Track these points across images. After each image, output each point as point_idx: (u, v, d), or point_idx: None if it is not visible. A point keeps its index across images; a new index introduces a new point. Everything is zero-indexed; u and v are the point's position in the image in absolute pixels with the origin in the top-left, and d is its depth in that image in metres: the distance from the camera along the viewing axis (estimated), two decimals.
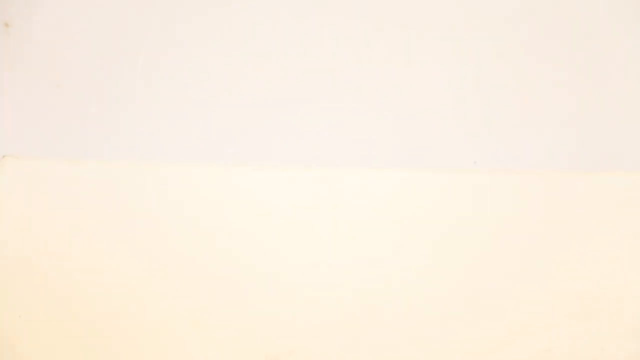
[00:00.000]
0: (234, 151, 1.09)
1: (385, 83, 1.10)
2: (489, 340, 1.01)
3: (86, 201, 1.03)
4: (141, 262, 1.02)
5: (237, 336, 1.01)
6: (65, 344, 1.01)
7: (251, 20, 1.11)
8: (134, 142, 1.09)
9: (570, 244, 1.02)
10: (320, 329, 1.01)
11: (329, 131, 1.09)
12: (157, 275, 1.02)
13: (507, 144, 1.08)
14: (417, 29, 1.10)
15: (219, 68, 1.10)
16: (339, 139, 1.09)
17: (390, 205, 1.03)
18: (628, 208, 1.02)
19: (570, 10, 1.10)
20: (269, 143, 1.09)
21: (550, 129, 1.08)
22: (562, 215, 1.02)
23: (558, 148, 1.08)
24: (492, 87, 1.09)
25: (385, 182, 1.03)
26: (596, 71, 1.09)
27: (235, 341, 1.01)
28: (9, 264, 1.02)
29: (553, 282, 1.01)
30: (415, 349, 1.01)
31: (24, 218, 1.03)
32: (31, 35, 1.11)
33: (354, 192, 1.03)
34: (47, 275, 1.02)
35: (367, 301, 1.02)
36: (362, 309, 1.02)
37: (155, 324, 1.01)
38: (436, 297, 1.02)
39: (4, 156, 1.04)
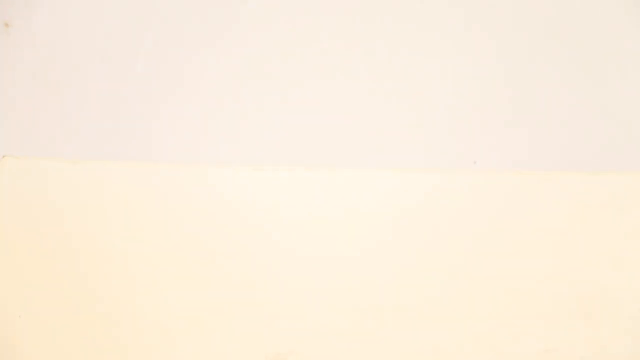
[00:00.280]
0: (234, 151, 1.09)
1: (385, 83, 1.10)
2: (489, 340, 1.01)
3: (86, 201, 1.03)
4: (141, 262, 1.02)
5: (237, 336, 1.01)
6: (65, 344, 1.01)
7: (251, 20, 1.11)
8: (134, 142, 1.09)
9: (570, 243, 1.02)
10: (321, 329, 1.01)
11: (329, 131, 1.09)
12: (157, 275, 1.02)
13: (507, 144, 1.08)
14: (417, 28, 1.10)
15: (219, 68, 1.10)
16: (340, 139, 1.09)
17: (390, 205, 1.03)
18: (628, 208, 1.02)
19: (571, 10, 1.10)
20: (269, 143, 1.09)
21: (550, 129, 1.08)
22: (562, 215, 1.02)
23: (558, 148, 1.08)
24: (492, 87, 1.09)
25: (385, 182, 1.03)
26: (596, 71, 1.09)
27: (235, 341, 1.01)
28: (9, 264, 1.02)
29: (553, 282, 1.01)
30: (415, 349, 1.01)
31: (24, 218, 1.03)
32: (31, 35, 1.11)
33: (354, 192, 1.03)
34: (47, 275, 1.02)
35: (367, 301, 1.02)
36: (362, 309, 1.02)
37: (156, 324, 1.02)
38: (435, 297, 1.02)
39: (4, 156, 1.04)
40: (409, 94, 1.09)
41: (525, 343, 1.01)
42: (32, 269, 1.02)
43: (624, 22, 1.10)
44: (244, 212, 1.03)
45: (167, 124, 1.09)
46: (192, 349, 1.01)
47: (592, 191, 1.02)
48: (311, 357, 1.01)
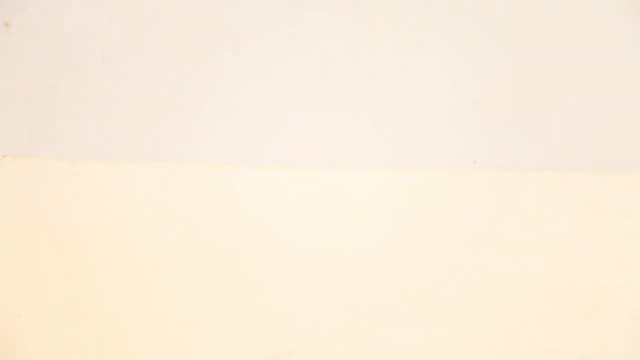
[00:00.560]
0: (234, 151, 1.09)
1: (385, 83, 1.10)
2: (489, 340, 1.01)
3: (86, 201, 1.03)
4: (141, 262, 1.02)
5: (237, 336, 1.01)
6: (65, 344, 1.01)
7: (251, 20, 1.11)
8: (133, 142, 1.09)
9: (570, 243, 1.02)
10: (320, 329, 1.01)
11: (329, 131, 1.09)
12: (157, 275, 1.02)
13: (507, 144, 1.08)
14: (417, 28, 1.10)
15: (219, 68, 1.10)
16: (339, 139, 1.09)
17: (390, 205, 1.03)
18: (628, 208, 1.02)
19: (571, 9, 1.10)
20: (269, 143, 1.09)
21: (550, 129, 1.08)
22: (562, 215, 1.02)
23: (558, 148, 1.08)
24: (492, 87, 1.09)
25: (385, 182, 1.03)
26: (596, 71, 1.09)
27: (235, 341, 1.01)
28: (9, 264, 1.02)
29: (553, 282, 1.01)
30: (415, 349, 1.01)
31: (23, 218, 1.03)
32: (31, 35, 1.11)
33: (354, 192, 1.03)
34: (47, 275, 1.02)
35: (367, 301, 1.02)
36: (362, 309, 1.02)
37: (155, 324, 1.02)
38: (436, 297, 1.02)
39: (3, 156, 1.04)
40: (408, 93, 1.09)
41: (525, 343, 1.01)
42: (32, 269, 1.02)
43: (624, 22, 1.10)
44: (244, 212, 1.03)
45: (167, 124, 1.09)
46: (192, 349, 1.01)
47: (592, 191, 1.02)
48: (311, 357, 1.01)
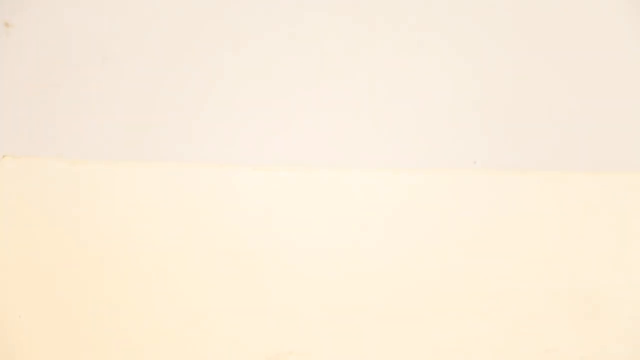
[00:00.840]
0: (234, 151, 1.09)
1: (385, 83, 1.10)
2: (489, 340, 1.01)
3: (86, 201, 1.03)
4: (141, 262, 1.02)
5: (237, 336, 1.01)
6: (65, 344, 1.01)
7: (251, 21, 1.11)
8: (133, 142, 1.09)
9: (570, 244, 1.02)
10: (320, 329, 1.01)
11: (329, 131, 1.09)
12: (157, 275, 1.02)
13: (507, 144, 1.08)
14: (417, 28, 1.10)
15: (219, 68, 1.10)
16: (339, 139, 1.09)
17: (390, 205, 1.03)
18: (628, 208, 1.02)
19: (571, 9, 1.10)
20: (269, 143, 1.09)
21: (550, 129, 1.08)
22: (562, 215, 1.02)
23: (558, 148, 1.08)
24: (493, 87, 1.09)
25: (384, 182, 1.03)
26: (596, 71, 1.09)
27: (235, 341, 1.01)
28: (9, 264, 1.02)
29: (553, 282, 1.01)
30: (415, 349, 1.01)
31: (23, 218, 1.03)
32: (31, 35, 1.11)
33: (354, 192, 1.03)
34: (47, 275, 1.02)
35: (367, 301, 1.02)
36: (362, 309, 1.02)
37: (155, 324, 1.02)
38: (436, 297, 1.02)
39: (3, 156, 1.04)
40: (408, 93, 1.09)
41: (525, 343, 1.01)
42: (32, 269, 1.02)
43: (624, 22, 1.10)
44: (244, 212, 1.03)
45: (167, 124, 1.09)
46: (192, 348, 1.01)
47: (592, 191, 1.02)
48: (311, 357, 1.01)
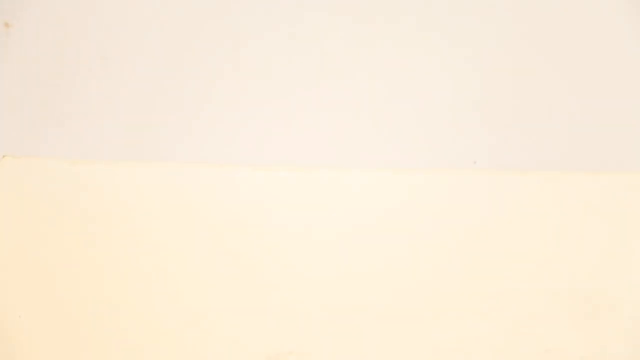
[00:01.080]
0: (234, 151, 1.09)
1: (385, 83, 1.10)
2: (489, 340, 1.01)
3: (86, 201, 1.03)
4: (141, 261, 1.02)
5: (237, 336, 1.01)
6: (65, 344, 1.01)
7: (251, 21, 1.11)
8: (133, 142, 1.09)
9: (570, 244, 1.02)
10: (320, 329, 1.01)
11: (329, 131, 1.09)
12: (157, 275, 1.02)
13: (507, 144, 1.08)
14: (417, 28, 1.10)
15: (219, 68, 1.10)
16: (339, 139, 1.09)
17: (390, 205, 1.03)
18: (628, 208, 1.02)
19: (571, 9, 1.10)
20: (269, 143, 1.09)
21: (550, 129, 1.08)
22: (562, 215, 1.02)
23: (558, 148, 1.08)
24: (493, 87, 1.09)
25: (385, 182, 1.03)
26: (596, 71, 1.09)
27: (235, 341, 1.01)
28: (9, 264, 1.02)
29: (553, 282, 1.01)
30: (415, 349, 1.01)
31: (24, 218, 1.03)
32: (31, 35, 1.11)
33: (354, 192, 1.03)
34: (47, 275, 1.02)
35: (367, 301, 1.02)
36: (362, 309, 1.02)
37: (156, 324, 1.02)
38: (436, 297, 1.02)
39: (4, 156, 1.04)
40: (409, 93, 1.09)
41: (525, 343, 1.01)
42: (32, 268, 1.02)
43: (624, 22, 1.10)
44: (244, 212, 1.03)
45: (167, 124, 1.09)
46: (192, 348, 1.01)
47: (592, 191, 1.02)
48: (311, 357, 1.01)
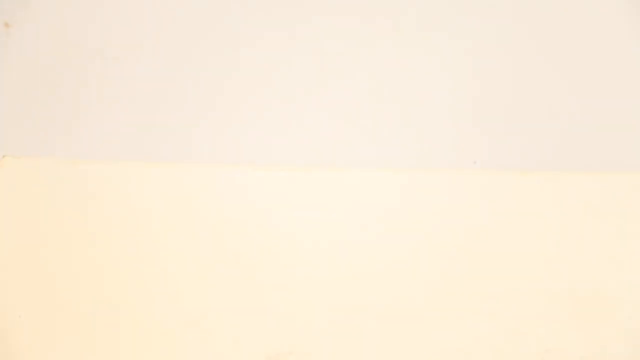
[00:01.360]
0: (234, 151, 1.09)
1: (385, 83, 1.10)
2: (489, 340, 1.01)
3: (86, 201, 1.03)
4: (141, 262, 1.02)
5: (237, 336, 1.01)
6: (65, 344, 1.01)
7: (251, 21, 1.11)
8: (133, 142, 1.09)
9: (570, 244, 1.02)
10: (321, 329, 1.01)
11: (329, 131, 1.09)
12: (157, 275, 1.02)
13: (507, 144, 1.08)
14: (417, 28, 1.10)
15: (219, 67, 1.10)
16: (339, 139, 1.09)
17: (390, 205, 1.03)
18: (628, 208, 1.02)
19: (571, 9, 1.10)
20: (269, 143, 1.09)
21: (550, 129, 1.08)
22: (562, 215, 1.02)
23: (558, 148, 1.08)
24: (493, 87, 1.09)
25: (385, 182, 1.03)
26: (596, 71, 1.09)
27: (235, 341, 1.01)
28: (9, 264, 1.02)
29: (553, 282, 1.01)
30: (415, 349, 1.01)
31: (24, 218, 1.03)
32: (31, 35, 1.11)
33: (354, 192, 1.03)
34: (47, 275, 1.02)
35: (367, 301, 1.02)
36: (362, 309, 1.02)
37: (156, 324, 1.02)
38: (436, 297, 1.02)
39: (4, 156, 1.04)
40: (409, 93, 1.09)
41: (525, 343, 1.01)
42: (32, 269, 1.02)
43: (624, 22, 1.10)
44: (244, 212, 1.03)
45: (167, 124, 1.09)
46: (192, 348, 1.01)
47: (592, 191, 1.02)
48: (311, 357, 1.01)
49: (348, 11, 1.10)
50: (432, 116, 1.09)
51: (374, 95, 1.09)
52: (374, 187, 1.03)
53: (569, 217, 1.02)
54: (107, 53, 1.10)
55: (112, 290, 1.02)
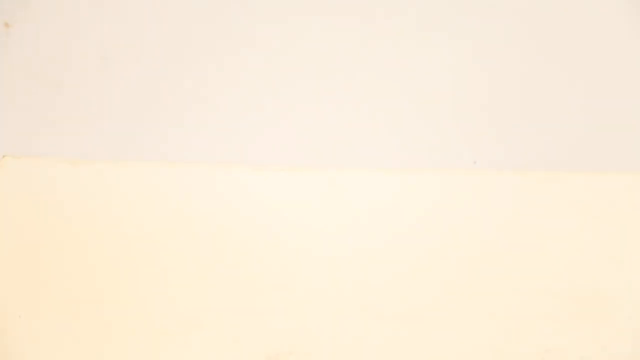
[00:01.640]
0: (234, 151, 1.09)
1: (385, 83, 1.10)
2: (489, 340, 1.01)
3: (86, 201, 1.03)
4: (141, 262, 1.02)
5: (237, 336, 1.01)
6: (65, 344, 1.01)
7: (251, 20, 1.11)
8: (134, 142, 1.09)
9: (570, 244, 1.02)
10: (321, 329, 1.01)
11: (329, 131, 1.09)
12: (157, 275, 1.02)
13: (507, 144, 1.08)
14: (417, 28, 1.10)
15: (219, 67, 1.10)
16: (339, 139, 1.09)
17: (390, 205, 1.03)
18: (628, 208, 1.02)
19: (571, 10, 1.10)
20: (269, 143, 1.09)
21: (550, 129, 1.08)
22: (561, 215, 1.02)
23: (558, 148, 1.08)
24: (492, 87, 1.09)
25: (385, 182, 1.03)
26: (596, 71, 1.09)
27: (235, 341, 1.01)
28: (9, 264, 1.02)
29: (553, 282, 1.01)
30: (415, 349, 1.01)
31: (24, 218, 1.03)
32: (31, 35, 1.11)
33: (354, 192, 1.03)
34: (47, 275, 1.02)
35: (367, 301, 1.02)
36: (362, 309, 1.02)
37: (156, 324, 1.02)
38: (436, 297, 1.02)
39: (4, 156, 1.04)
40: (408, 93, 1.09)
41: (525, 343, 1.01)
42: (32, 269, 1.02)
43: (624, 22, 1.10)
44: (244, 212, 1.03)
45: (167, 124, 1.09)
46: (192, 348, 1.01)
47: (592, 191, 1.02)
48: (311, 357, 1.01)
49: (347, 11, 1.10)
50: (432, 116, 1.09)
51: (374, 95, 1.09)
52: (374, 187, 1.03)
53: (569, 217, 1.02)
54: (107, 53, 1.10)
55: (112, 290, 1.02)
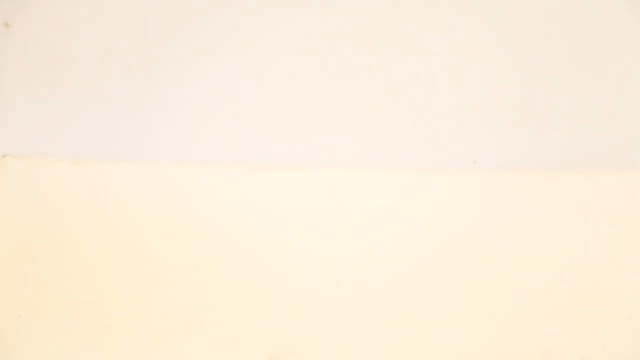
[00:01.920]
0: (234, 151, 1.09)
1: (385, 83, 1.10)
2: (489, 340, 1.01)
3: (86, 201, 1.03)
4: (141, 262, 1.02)
5: (237, 336, 1.01)
6: (65, 344, 1.01)
7: (251, 20, 1.11)
8: (134, 142, 1.09)
9: (570, 243, 1.02)
10: (320, 329, 1.01)
11: (329, 131, 1.09)
12: (157, 275, 1.02)
13: (507, 144, 1.08)
14: (417, 29, 1.10)
15: (219, 68, 1.10)
16: (339, 139, 1.09)
17: (390, 205, 1.03)
18: (628, 208, 1.02)
19: (571, 9, 1.10)
20: (269, 143, 1.09)
21: (550, 129, 1.08)
22: (561, 215, 1.02)
23: (558, 148, 1.08)
24: (493, 87, 1.09)
25: (385, 182, 1.03)
26: (596, 71, 1.09)
27: (235, 341, 1.01)
28: (9, 264, 1.02)
29: (553, 282, 1.01)
30: (415, 349, 1.01)
31: (24, 218, 1.03)
32: (31, 35, 1.11)
33: (354, 192, 1.03)
34: (47, 275, 1.02)
35: (367, 301, 1.02)
36: (362, 309, 1.02)
37: (156, 324, 1.02)
38: (436, 297, 1.02)
39: (4, 156, 1.04)
40: (409, 94, 1.09)
41: (525, 343, 1.01)
42: (32, 269, 1.02)
43: (624, 22, 1.10)
44: (244, 212, 1.03)
45: (167, 124, 1.09)
46: (192, 348, 1.01)
47: (592, 191, 1.02)
48: (311, 357, 1.01)
49: (348, 11, 1.10)
50: (432, 116, 1.09)
51: (374, 96, 1.09)
52: (374, 187, 1.03)
53: (569, 217, 1.02)
54: (107, 53, 1.10)
55: (112, 290, 1.02)
